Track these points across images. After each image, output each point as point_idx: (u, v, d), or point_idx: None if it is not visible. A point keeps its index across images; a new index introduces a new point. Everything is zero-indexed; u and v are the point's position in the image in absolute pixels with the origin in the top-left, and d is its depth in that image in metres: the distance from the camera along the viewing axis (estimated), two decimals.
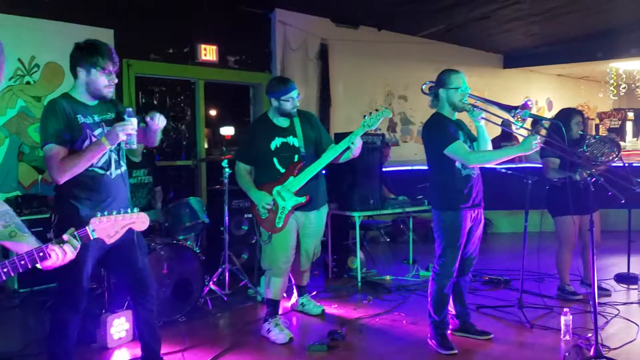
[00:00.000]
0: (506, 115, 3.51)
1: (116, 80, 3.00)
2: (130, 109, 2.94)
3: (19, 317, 4.64)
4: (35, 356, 3.61)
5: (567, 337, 3.77)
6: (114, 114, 3.08)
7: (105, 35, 5.74)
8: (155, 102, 6.74)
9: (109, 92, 2.99)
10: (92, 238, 2.03)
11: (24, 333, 4.14)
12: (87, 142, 2.91)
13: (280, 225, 3.90)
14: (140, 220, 2.09)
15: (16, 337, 4.11)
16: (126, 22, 6.05)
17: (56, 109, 2.90)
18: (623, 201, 4.23)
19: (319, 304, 4.61)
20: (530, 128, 4.65)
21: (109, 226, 2.02)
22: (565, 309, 3.87)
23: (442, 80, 3.67)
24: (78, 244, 2.04)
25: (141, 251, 3.15)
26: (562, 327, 3.79)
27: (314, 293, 4.93)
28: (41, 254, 1.97)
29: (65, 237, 2.02)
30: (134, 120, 2.86)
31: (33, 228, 5.13)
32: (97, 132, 2.96)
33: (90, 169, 2.91)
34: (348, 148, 3.87)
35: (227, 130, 7.53)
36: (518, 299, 4.31)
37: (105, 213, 2.08)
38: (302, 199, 3.88)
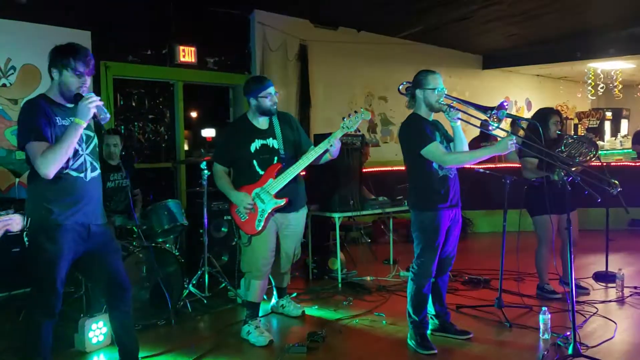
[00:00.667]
0: (483, 116, 3.53)
1: (88, 83, 2.96)
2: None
3: None
4: None
5: (546, 336, 3.80)
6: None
7: (83, 37, 5.66)
8: (133, 104, 6.67)
9: (80, 93, 2.92)
10: None
11: (0, 339, 4.06)
12: None
13: (260, 228, 3.88)
14: (15, 222, 2.18)
15: None
16: (104, 23, 5.97)
17: (34, 109, 2.86)
18: (599, 200, 4.28)
19: (299, 305, 4.60)
20: (508, 129, 4.67)
21: None
22: (544, 308, 3.91)
23: (418, 81, 3.68)
24: None
25: (116, 254, 3.12)
26: (541, 325, 3.83)
27: (294, 295, 4.92)
28: None
29: None
30: (93, 93, 2.89)
31: (10, 232, 5.06)
32: None
33: (65, 172, 2.87)
34: (327, 150, 3.87)
35: (208, 132, 7.49)
36: (497, 299, 4.34)
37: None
38: (281, 201, 3.87)
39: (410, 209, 3.76)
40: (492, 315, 4.33)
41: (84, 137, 2.94)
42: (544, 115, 4.77)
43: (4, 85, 5.42)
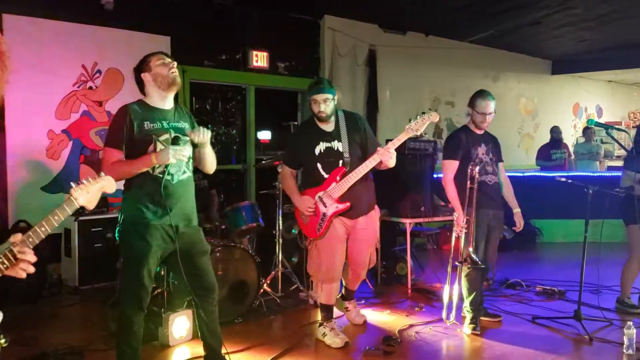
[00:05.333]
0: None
1: (175, 63, 3.09)
2: (187, 138, 3.05)
3: (79, 313, 4.79)
4: (103, 352, 3.75)
5: (630, 351, 3.67)
6: (187, 124, 3.16)
7: (162, 42, 5.90)
8: (208, 107, 6.88)
9: (174, 74, 3.05)
10: (78, 206, 2.03)
11: (88, 329, 4.27)
12: (151, 147, 2.98)
13: (320, 232, 3.87)
14: (108, 183, 2.16)
15: (79, 333, 4.24)
16: (182, 29, 6.20)
17: (121, 115, 3.01)
18: None
19: (362, 313, 4.50)
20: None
21: (85, 192, 2.04)
22: (628, 322, 3.77)
23: (471, 101, 4.28)
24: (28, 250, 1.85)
25: (204, 255, 3.20)
26: (625, 340, 3.70)
27: (363, 302, 4.89)
28: None
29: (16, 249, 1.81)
30: (189, 148, 2.98)
31: (93, 228, 5.34)
32: (163, 138, 3.02)
33: (152, 174, 2.99)
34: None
35: (264, 135, 7.43)
36: (576, 311, 4.22)
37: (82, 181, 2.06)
38: (342, 206, 3.81)
39: None
40: (571, 327, 4.22)
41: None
42: None
43: (90, 88, 5.71)
